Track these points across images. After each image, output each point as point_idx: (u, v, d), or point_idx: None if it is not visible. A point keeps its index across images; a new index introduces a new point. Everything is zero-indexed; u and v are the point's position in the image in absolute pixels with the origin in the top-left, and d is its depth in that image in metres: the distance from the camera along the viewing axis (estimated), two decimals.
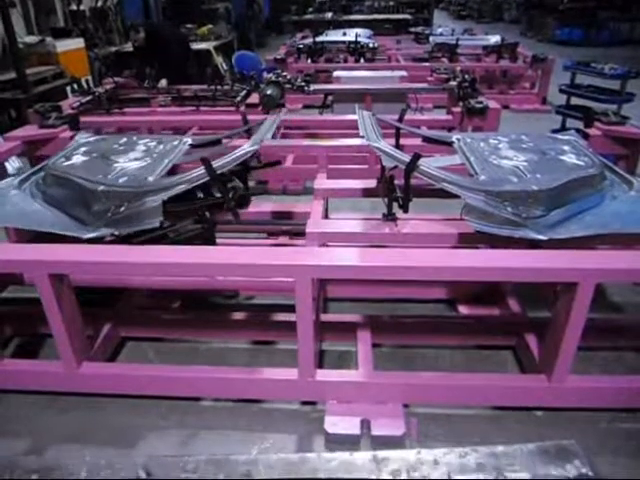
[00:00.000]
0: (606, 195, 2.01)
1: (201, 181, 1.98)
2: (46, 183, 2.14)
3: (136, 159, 2.19)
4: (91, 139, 2.53)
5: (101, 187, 1.94)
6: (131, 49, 6.39)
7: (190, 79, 5.21)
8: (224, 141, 2.52)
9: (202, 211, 2.08)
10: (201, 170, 1.98)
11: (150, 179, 2.00)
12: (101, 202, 1.93)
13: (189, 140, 2.39)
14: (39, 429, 1.95)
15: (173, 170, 2.23)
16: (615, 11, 13.06)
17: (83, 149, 2.32)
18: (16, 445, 1.88)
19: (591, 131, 2.82)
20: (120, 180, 2.00)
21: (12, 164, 3.46)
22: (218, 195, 2.08)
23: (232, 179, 2.18)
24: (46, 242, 1.87)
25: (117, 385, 2.03)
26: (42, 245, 1.85)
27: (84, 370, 1.99)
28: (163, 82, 5.07)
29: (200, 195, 2.12)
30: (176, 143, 2.35)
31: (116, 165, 2.13)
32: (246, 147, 2.12)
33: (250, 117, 2.85)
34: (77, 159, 2.21)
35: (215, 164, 1.99)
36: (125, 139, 2.41)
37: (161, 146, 2.32)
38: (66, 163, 2.17)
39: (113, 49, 7.99)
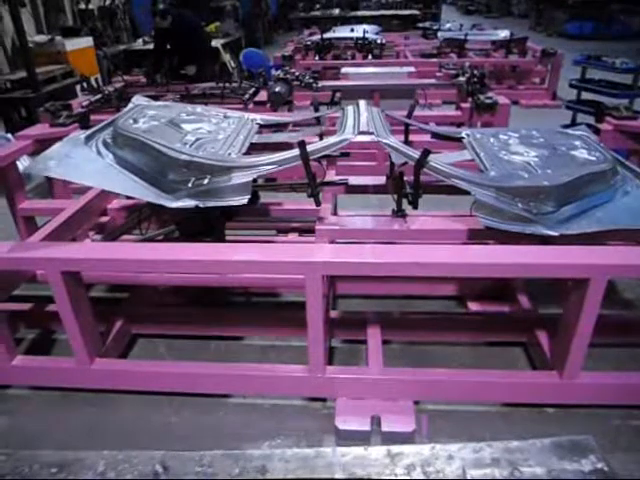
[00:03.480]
0: (618, 190, 1.99)
1: (293, 164, 1.93)
2: (116, 144, 2.07)
3: (209, 132, 2.16)
4: (153, 103, 2.47)
5: (183, 156, 1.90)
6: (139, 48, 6.43)
7: (212, 73, 5.18)
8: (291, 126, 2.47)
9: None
10: (292, 153, 1.93)
11: (234, 155, 1.99)
12: (181, 172, 1.89)
13: (257, 119, 2.36)
14: (52, 425, 1.98)
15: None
16: (626, 3, 12.90)
17: (149, 112, 2.26)
18: (30, 441, 1.90)
19: (602, 126, 2.79)
20: (199, 151, 1.97)
21: (23, 163, 3.49)
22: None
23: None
24: (57, 238, 1.88)
25: (129, 381, 2.04)
26: (55, 243, 1.87)
27: (97, 366, 2.01)
28: (192, 69, 5.03)
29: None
30: (245, 120, 2.31)
31: (190, 135, 2.08)
32: (342, 135, 2.06)
33: (263, 115, 2.85)
34: (145, 123, 2.15)
35: (310, 148, 1.93)
36: (190, 108, 2.38)
37: (230, 121, 2.29)
38: (135, 125, 2.11)
39: (122, 47, 8.03)
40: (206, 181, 1.88)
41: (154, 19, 5.47)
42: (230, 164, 1.92)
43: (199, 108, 2.42)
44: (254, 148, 2.29)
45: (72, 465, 0.65)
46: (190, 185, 1.88)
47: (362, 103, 2.45)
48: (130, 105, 2.45)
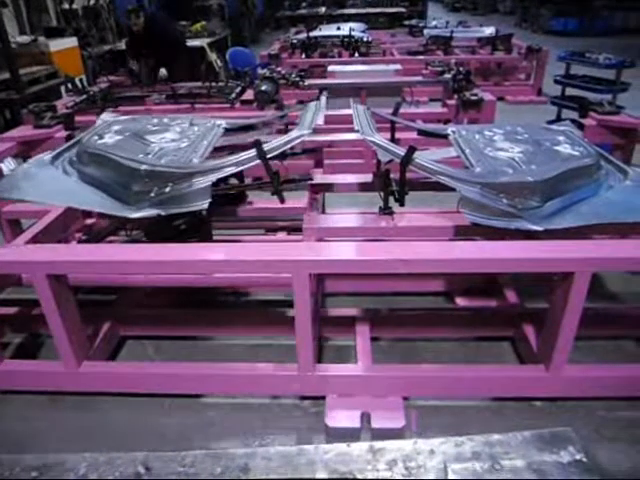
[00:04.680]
0: (602, 185, 2.02)
1: (251, 164, 1.96)
2: (82, 161, 2.09)
3: (173, 140, 2.16)
4: (120, 118, 2.49)
5: (144, 166, 1.91)
6: (124, 48, 6.34)
7: (185, 74, 5.18)
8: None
9: (241, 191, 2.07)
10: (250, 153, 1.95)
11: (195, 160, 1.99)
12: (144, 182, 1.90)
13: (223, 123, 2.37)
14: (40, 429, 1.96)
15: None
16: (609, 0, 13.03)
17: (115, 128, 2.27)
18: (16, 446, 1.88)
19: (586, 121, 2.82)
20: (162, 160, 1.97)
21: (7, 165, 3.45)
22: (236, 182, 2.06)
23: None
24: (43, 241, 1.87)
25: (117, 383, 2.03)
26: (39, 246, 1.85)
27: (84, 369, 1.99)
28: (163, 71, 5.03)
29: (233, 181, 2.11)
30: (210, 125, 2.32)
31: (153, 145, 2.09)
32: (297, 132, 2.09)
33: (249, 113, 2.85)
34: (110, 138, 2.16)
35: (266, 147, 1.96)
36: (156, 120, 2.39)
37: (196, 128, 2.29)
38: (100, 141, 2.13)
39: (107, 47, 7.96)
40: (168, 189, 1.90)
41: (128, 20, 5.50)
42: (190, 170, 1.94)
43: (166, 118, 2.44)
44: (219, 152, 2.30)
45: (53, 468, 0.65)
46: (153, 194, 1.90)
47: (323, 99, 2.49)
48: (98, 122, 2.48)
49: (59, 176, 2.06)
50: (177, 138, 2.18)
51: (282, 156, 2.23)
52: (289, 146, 2.05)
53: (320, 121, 2.20)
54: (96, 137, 2.17)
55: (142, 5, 5.61)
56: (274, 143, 2.02)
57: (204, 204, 1.88)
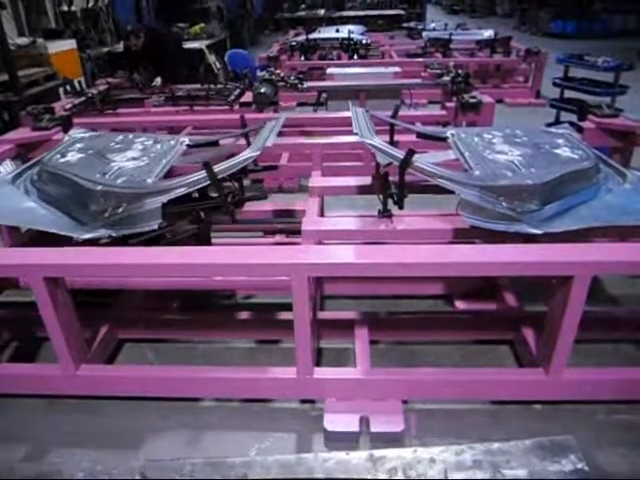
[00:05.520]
0: (600, 188, 2.02)
1: (201, 185, 1.97)
2: (41, 180, 2.11)
3: (133, 158, 2.17)
4: (86, 135, 2.50)
5: (99, 187, 1.92)
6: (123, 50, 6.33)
7: (182, 79, 5.19)
8: (221, 142, 2.50)
9: (197, 211, 2.07)
10: (202, 174, 1.96)
11: (149, 181, 1.99)
12: (98, 202, 1.91)
13: (186, 140, 2.38)
14: (38, 433, 1.95)
15: (171, 171, 2.22)
16: (608, 2, 13.07)
17: (78, 146, 2.28)
18: (15, 449, 1.87)
19: (585, 124, 2.82)
20: (118, 180, 1.98)
21: (5, 167, 3.43)
22: (215, 197, 2.08)
23: (227, 180, 2.17)
24: (41, 244, 1.86)
25: (116, 387, 2.02)
26: (37, 249, 1.84)
27: (82, 372, 1.98)
28: (158, 80, 5.03)
29: (196, 196, 2.11)
30: (173, 143, 2.33)
31: (113, 164, 2.10)
32: (247, 153, 2.10)
33: (248, 116, 2.84)
34: (72, 156, 2.17)
35: (216, 169, 1.97)
36: (121, 137, 2.39)
37: (158, 145, 2.30)
38: (62, 160, 2.14)
39: (105, 50, 7.95)
40: (120, 209, 1.90)
41: (127, 41, 5.48)
42: (143, 190, 1.93)
43: (131, 135, 2.44)
44: (178, 170, 2.30)
45: (50, 476, 0.64)
46: (107, 215, 1.90)
47: (282, 119, 2.49)
48: (66, 138, 2.48)
49: (17, 195, 2.08)
50: (138, 156, 2.18)
51: (243, 173, 2.23)
52: (239, 167, 2.06)
53: (270, 143, 2.18)
54: (58, 155, 2.18)
55: (142, 17, 5.57)
56: (224, 164, 2.03)
57: (154, 225, 1.88)
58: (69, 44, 6.92)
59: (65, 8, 7.80)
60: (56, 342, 1.88)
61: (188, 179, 1.98)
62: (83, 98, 4.08)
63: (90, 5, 8.23)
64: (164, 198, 1.91)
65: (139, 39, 5.42)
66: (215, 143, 2.47)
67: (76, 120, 3.34)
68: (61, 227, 1.91)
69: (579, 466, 0.60)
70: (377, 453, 0.65)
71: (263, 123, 2.52)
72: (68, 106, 3.84)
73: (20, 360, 2.29)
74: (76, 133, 2.53)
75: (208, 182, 1.96)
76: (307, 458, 0.66)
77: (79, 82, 5.91)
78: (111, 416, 2.00)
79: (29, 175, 2.21)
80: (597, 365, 2.06)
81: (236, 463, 0.66)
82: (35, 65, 6.22)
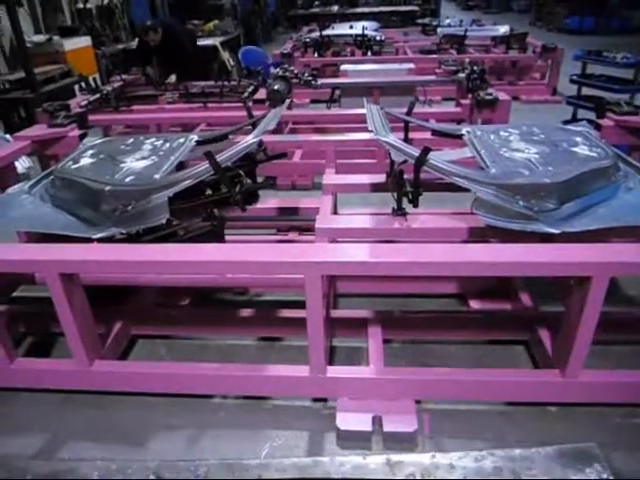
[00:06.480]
0: (620, 187, 1.97)
1: (206, 176, 1.98)
2: (54, 186, 2.17)
3: (143, 158, 2.19)
4: (97, 141, 2.54)
5: (108, 187, 1.95)
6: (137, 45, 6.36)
7: (196, 75, 5.20)
8: (230, 136, 2.50)
9: (211, 208, 2.07)
10: (206, 165, 1.97)
11: (156, 177, 2.00)
12: (108, 202, 1.94)
13: (195, 137, 2.38)
14: (52, 427, 1.97)
15: (180, 167, 2.22)
16: None
17: (90, 152, 2.32)
18: (29, 444, 1.89)
19: (603, 122, 2.77)
20: (127, 179, 2.00)
21: (22, 163, 3.48)
22: (225, 191, 2.08)
23: (240, 174, 2.17)
24: (56, 242, 1.87)
25: (129, 383, 2.03)
26: (52, 245, 1.86)
27: (96, 368, 1.99)
28: (172, 77, 5.06)
29: (208, 192, 2.12)
30: (182, 140, 2.34)
31: (123, 165, 2.13)
32: (249, 139, 2.11)
33: (257, 113, 2.84)
34: (84, 162, 2.22)
35: (219, 158, 1.98)
36: (132, 139, 2.41)
37: (167, 144, 2.31)
38: (74, 166, 2.19)
39: (120, 47, 8.01)
40: (130, 207, 1.93)
41: (145, 35, 5.46)
42: (150, 186, 1.95)
43: (142, 137, 2.46)
44: (187, 165, 2.31)
45: (65, 474, 0.64)
46: (117, 213, 1.93)
47: (285, 105, 2.54)
48: (80, 146, 2.52)
49: (33, 203, 2.15)
50: (147, 156, 2.21)
51: (253, 164, 2.26)
52: (241, 154, 2.06)
53: (271, 127, 2.24)
54: (71, 162, 2.23)
55: (156, 14, 5.56)
56: (225, 154, 2.03)
57: (161, 219, 1.90)
58: (84, 41, 7.00)
59: (81, 5, 7.87)
60: (71, 338, 1.90)
61: (192, 170, 1.99)
62: (98, 95, 4.12)
63: (105, 2, 8.29)
64: (170, 192, 1.93)
65: (157, 34, 5.41)
66: (224, 137, 2.47)
67: (91, 117, 3.37)
68: (74, 229, 1.95)
69: (604, 476, 0.58)
70: (394, 458, 0.64)
71: (266, 113, 2.53)
72: (83, 103, 3.88)
73: (35, 355, 2.31)
74: (89, 141, 2.58)
75: (211, 172, 1.96)
76: (323, 461, 0.65)
77: (94, 79, 5.95)
78: (124, 412, 2.01)
79: (44, 184, 2.27)
80: (614, 367, 2.02)
81: (251, 465, 0.65)
82: (51, 62, 6.30)
